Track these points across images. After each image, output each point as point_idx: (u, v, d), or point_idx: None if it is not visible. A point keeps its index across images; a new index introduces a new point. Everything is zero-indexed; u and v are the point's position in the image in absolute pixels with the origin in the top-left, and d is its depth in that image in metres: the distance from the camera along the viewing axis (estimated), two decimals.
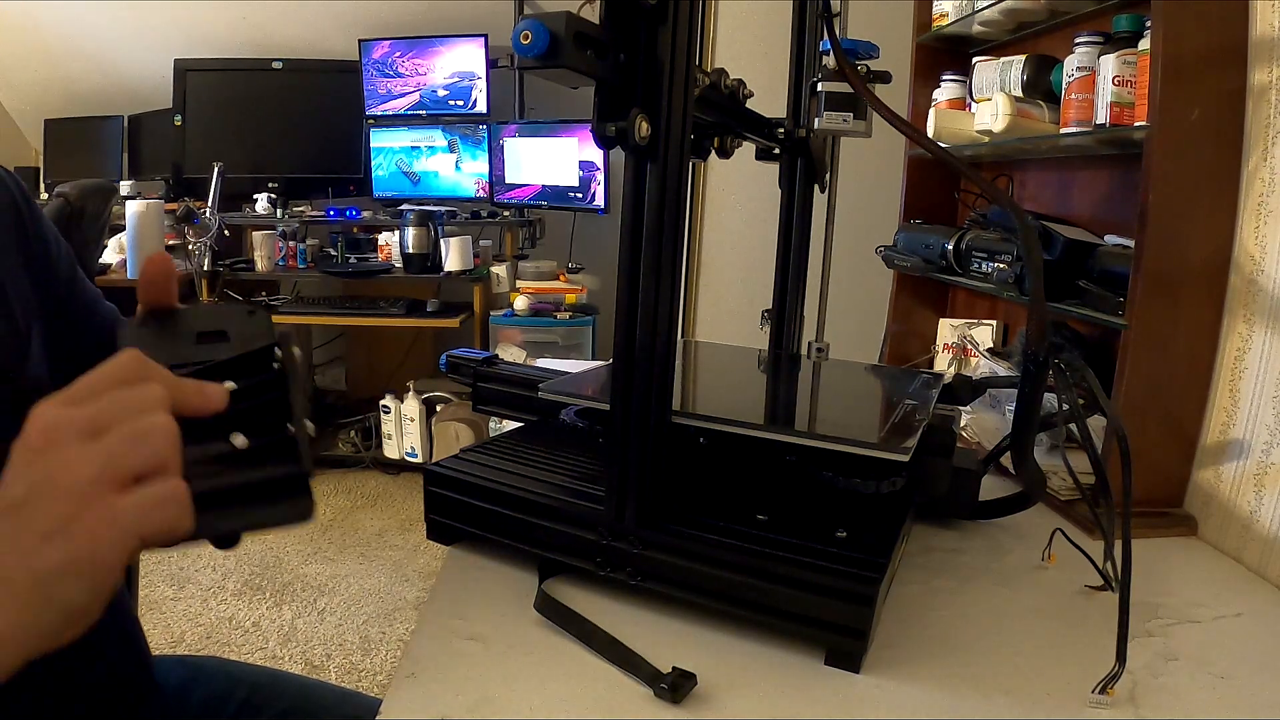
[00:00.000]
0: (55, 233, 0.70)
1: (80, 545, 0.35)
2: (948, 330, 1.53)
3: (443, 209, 2.98)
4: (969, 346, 1.45)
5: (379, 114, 3.10)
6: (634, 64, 0.56)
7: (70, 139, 3.30)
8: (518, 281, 2.92)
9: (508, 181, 3.01)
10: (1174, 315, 0.87)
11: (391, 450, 2.96)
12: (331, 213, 3.04)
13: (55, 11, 3.06)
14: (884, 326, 1.67)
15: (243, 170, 2.98)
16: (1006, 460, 0.76)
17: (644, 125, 0.55)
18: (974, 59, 1.40)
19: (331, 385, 3.43)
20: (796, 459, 0.71)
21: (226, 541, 0.39)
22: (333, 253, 3.02)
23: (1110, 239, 1.11)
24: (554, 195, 2.95)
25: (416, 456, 2.93)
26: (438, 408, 2.89)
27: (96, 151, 3.24)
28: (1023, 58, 1.23)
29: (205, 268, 2.79)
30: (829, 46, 0.80)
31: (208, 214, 2.74)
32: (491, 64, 2.98)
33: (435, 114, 3.06)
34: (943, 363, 1.52)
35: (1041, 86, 1.21)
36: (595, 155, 2.85)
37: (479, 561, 0.71)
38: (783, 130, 0.95)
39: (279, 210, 2.99)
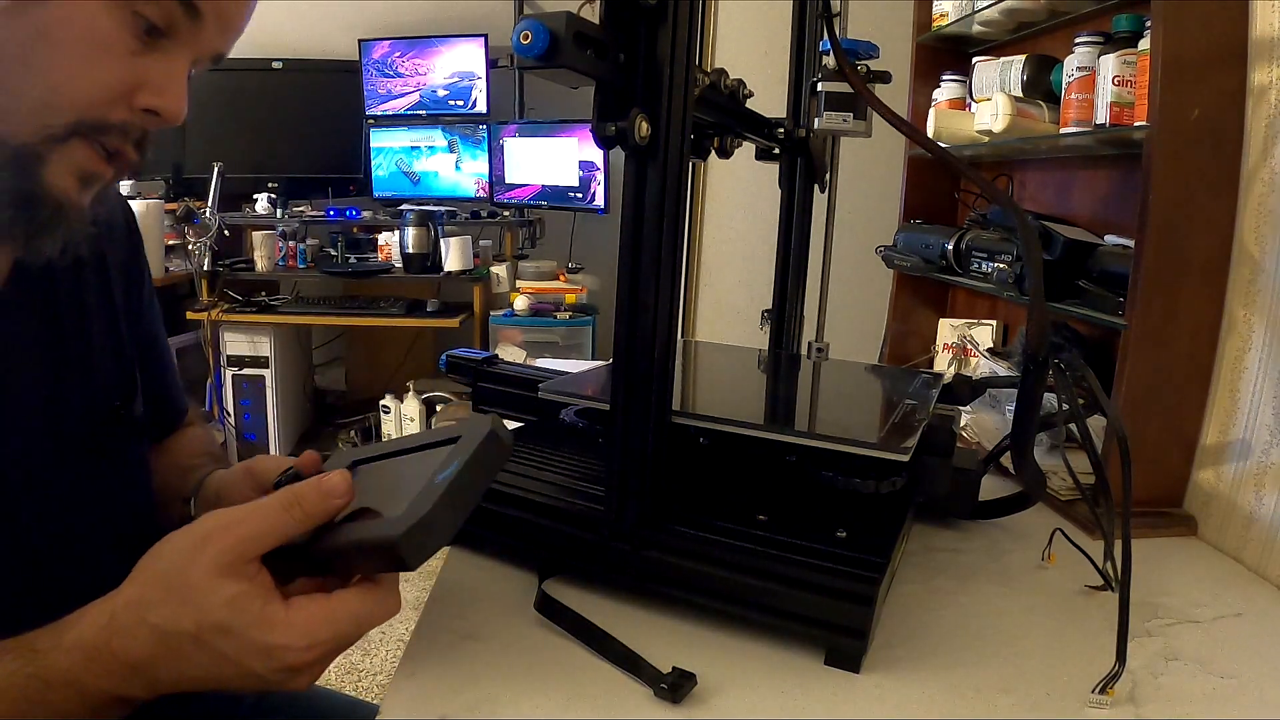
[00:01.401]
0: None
1: (248, 688, 0.46)
2: (948, 330, 1.53)
3: (443, 209, 2.97)
4: (969, 346, 1.45)
5: (379, 114, 3.09)
6: (634, 64, 0.56)
7: None
8: (518, 281, 2.92)
9: (508, 181, 3.01)
10: (1174, 315, 0.87)
11: None
12: (331, 213, 3.03)
13: None
14: (884, 326, 1.67)
15: (243, 170, 2.98)
16: (1006, 460, 0.76)
17: (644, 125, 0.55)
18: (974, 59, 1.40)
19: (331, 385, 3.43)
20: (797, 459, 0.71)
21: None
22: (333, 253, 3.02)
23: (1110, 239, 1.11)
24: (554, 195, 2.95)
25: None
26: (438, 408, 2.89)
27: None
28: (1023, 58, 1.23)
29: (205, 268, 2.79)
30: (829, 46, 0.80)
31: (208, 214, 2.74)
32: (491, 64, 2.98)
33: (435, 114, 3.05)
34: (943, 363, 1.52)
35: (1041, 86, 1.21)
36: (595, 155, 2.84)
37: (479, 561, 0.71)
38: (783, 130, 0.95)
39: (279, 210, 2.99)
